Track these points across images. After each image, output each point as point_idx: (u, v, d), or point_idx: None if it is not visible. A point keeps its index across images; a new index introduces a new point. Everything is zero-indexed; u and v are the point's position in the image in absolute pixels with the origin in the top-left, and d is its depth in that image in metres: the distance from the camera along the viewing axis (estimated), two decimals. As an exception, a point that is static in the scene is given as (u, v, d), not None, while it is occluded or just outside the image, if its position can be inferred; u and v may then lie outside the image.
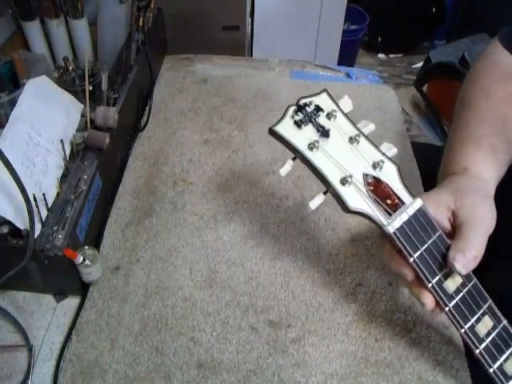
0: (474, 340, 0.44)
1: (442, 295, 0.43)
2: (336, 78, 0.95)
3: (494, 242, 0.46)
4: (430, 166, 0.58)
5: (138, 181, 0.71)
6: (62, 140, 0.57)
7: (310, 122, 0.43)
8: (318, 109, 0.44)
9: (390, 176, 0.44)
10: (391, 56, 2.58)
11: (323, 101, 0.44)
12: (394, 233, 0.42)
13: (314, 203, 0.44)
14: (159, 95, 0.87)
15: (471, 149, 0.53)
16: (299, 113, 0.43)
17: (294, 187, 0.71)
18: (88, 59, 0.66)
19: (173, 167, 0.74)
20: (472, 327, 0.44)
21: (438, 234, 0.44)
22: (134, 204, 0.68)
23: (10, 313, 0.54)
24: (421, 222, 0.43)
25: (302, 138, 0.42)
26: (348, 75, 0.96)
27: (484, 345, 0.44)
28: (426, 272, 0.43)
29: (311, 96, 0.44)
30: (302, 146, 0.42)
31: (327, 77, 0.95)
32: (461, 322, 0.44)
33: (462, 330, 0.44)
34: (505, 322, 0.45)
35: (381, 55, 2.58)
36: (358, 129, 0.44)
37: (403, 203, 0.43)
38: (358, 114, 0.91)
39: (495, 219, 0.46)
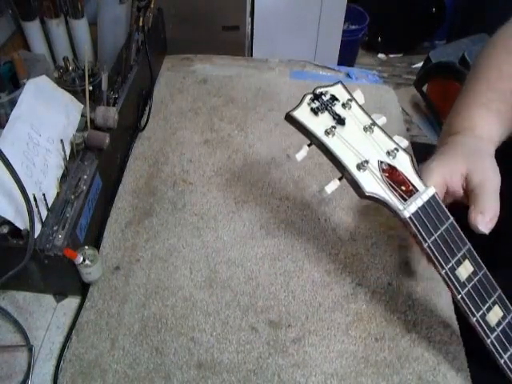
0: (486, 329, 0.44)
1: (455, 282, 0.44)
2: (336, 78, 0.95)
3: (495, 242, 0.47)
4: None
5: (138, 181, 0.71)
6: (61, 140, 0.57)
7: (326, 109, 0.44)
8: (334, 98, 0.45)
9: (404, 164, 0.45)
10: (391, 56, 2.58)
11: (338, 91, 0.45)
12: (410, 217, 0.43)
13: (330, 187, 0.45)
14: (159, 95, 0.87)
15: (479, 110, 0.54)
16: (315, 101, 0.44)
17: (294, 187, 0.71)
18: (88, 59, 0.66)
19: (173, 167, 0.73)
20: (483, 316, 0.44)
21: (449, 221, 0.45)
22: (134, 204, 0.68)
23: (10, 313, 0.54)
24: (434, 209, 0.44)
25: (318, 124, 0.43)
26: (348, 75, 0.96)
27: (495, 334, 0.44)
28: (439, 258, 0.44)
29: (327, 86, 0.45)
30: (318, 131, 0.43)
31: (327, 77, 0.95)
32: (473, 309, 0.44)
33: (474, 319, 0.44)
34: None
35: (381, 55, 2.58)
36: (372, 119, 0.45)
37: (417, 190, 0.44)
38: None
39: (500, 177, 0.48)
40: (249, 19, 1.23)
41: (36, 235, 0.50)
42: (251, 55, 1.38)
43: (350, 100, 0.45)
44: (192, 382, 0.50)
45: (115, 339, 0.53)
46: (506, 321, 0.45)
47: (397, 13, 2.36)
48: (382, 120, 0.47)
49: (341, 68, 0.98)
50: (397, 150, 0.44)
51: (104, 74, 0.65)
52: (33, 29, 0.73)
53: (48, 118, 0.57)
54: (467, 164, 0.49)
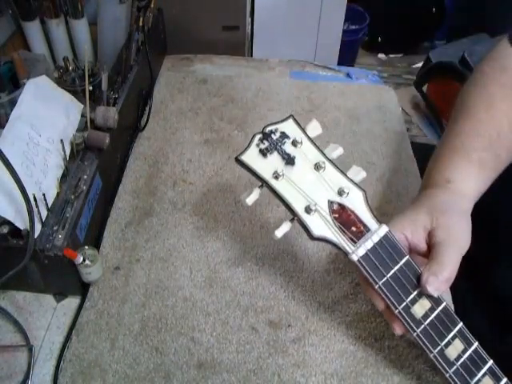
0: (444, 364, 0.43)
1: (410, 321, 0.43)
2: (336, 77, 0.95)
3: (495, 241, 0.46)
4: (429, 166, 0.57)
5: (138, 181, 0.71)
6: (62, 140, 0.57)
7: (276, 149, 0.43)
8: (284, 136, 0.44)
9: (356, 202, 0.44)
10: (391, 56, 2.58)
11: (289, 127, 0.44)
12: (358, 260, 0.43)
13: (281, 231, 0.44)
14: (159, 95, 0.87)
15: (459, 161, 0.52)
16: (265, 141, 0.44)
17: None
18: (88, 59, 0.65)
19: (173, 167, 0.74)
20: (441, 351, 0.43)
21: (404, 260, 0.44)
22: (134, 204, 0.68)
23: (10, 313, 0.54)
24: (386, 248, 0.44)
25: (267, 166, 0.43)
26: (348, 75, 0.96)
27: (454, 368, 0.43)
28: (391, 298, 0.43)
29: (277, 123, 0.44)
30: (267, 175, 0.43)
31: (327, 77, 0.95)
32: (429, 346, 0.43)
33: (431, 355, 0.43)
34: (476, 344, 0.44)
35: (381, 55, 2.58)
36: (324, 155, 0.45)
37: (368, 230, 0.44)
38: (358, 114, 0.92)
39: (469, 238, 0.46)
40: (249, 19, 1.23)
41: (36, 235, 0.50)
42: (251, 55, 1.38)
43: (300, 137, 0.44)
44: (192, 382, 0.50)
45: (115, 339, 0.53)
46: (467, 354, 0.43)
47: (397, 13, 2.36)
48: (338, 152, 0.45)
49: (341, 68, 0.98)
50: (349, 187, 0.44)
51: (104, 73, 0.65)
52: (33, 29, 0.73)
53: (48, 118, 0.57)
54: (431, 218, 0.46)
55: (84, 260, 0.53)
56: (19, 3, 0.71)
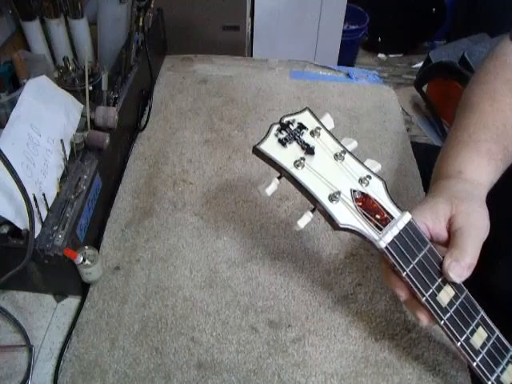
0: (471, 352, 0.43)
1: (437, 308, 0.43)
2: (336, 77, 0.95)
3: (498, 240, 0.46)
4: (430, 165, 0.57)
5: (138, 181, 0.71)
6: (61, 140, 0.57)
7: (295, 139, 0.43)
8: (302, 127, 0.44)
9: (378, 191, 0.44)
10: (391, 56, 2.58)
11: (306, 119, 0.44)
12: (386, 247, 0.42)
13: (303, 222, 0.43)
14: (159, 95, 0.87)
15: (468, 152, 0.52)
16: (283, 131, 0.43)
17: (295, 187, 0.71)
18: (88, 59, 0.66)
19: (173, 167, 0.74)
20: (467, 339, 0.43)
21: (428, 247, 0.44)
22: (134, 204, 0.68)
23: (10, 313, 0.54)
24: (411, 235, 0.43)
25: (287, 155, 0.42)
26: (348, 75, 0.96)
27: (480, 356, 0.43)
28: (419, 286, 0.43)
29: (294, 114, 0.44)
30: (287, 163, 0.42)
31: (327, 77, 0.95)
32: (456, 334, 0.43)
33: (458, 344, 0.43)
34: (498, 332, 0.44)
35: (381, 55, 2.58)
36: (342, 145, 0.44)
37: (392, 218, 0.43)
38: (358, 114, 0.92)
39: (488, 224, 0.46)
40: (249, 19, 1.23)
41: (36, 235, 0.50)
42: (251, 55, 1.39)
43: (318, 128, 0.43)
44: (192, 382, 0.50)
45: (115, 339, 0.53)
46: (491, 342, 0.44)
47: (397, 13, 2.36)
48: (353, 145, 0.45)
49: (341, 68, 0.98)
50: (369, 176, 0.43)
51: (104, 73, 0.65)
52: (33, 29, 0.73)
53: (48, 118, 0.57)
54: (451, 207, 0.46)
55: (84, 260, 0.53)
56: (19, 3, 0.70)
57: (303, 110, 0.44)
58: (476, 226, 0.45)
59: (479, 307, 0.44)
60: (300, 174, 0.42)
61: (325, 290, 0.58)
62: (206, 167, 0.74)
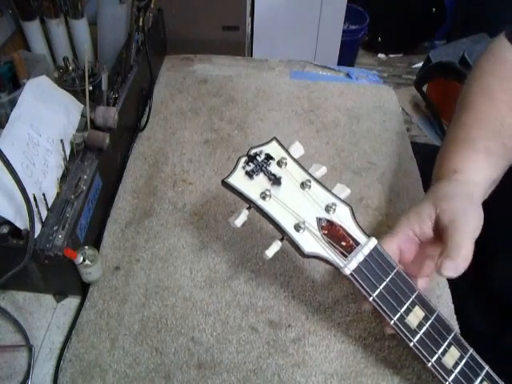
0: (442, 372, 0.43)
1: (406, 331, 0.43)
2: (336, 78, 0.95)
3: (494, 238, 0.46)
4: (430, 165, 0.57)
5: (138, 181, 0.71)
6: (62, 140, 0.57)
7: (261, 171, 0.44)
8: (269, 157, 0.45)
9: (344, 218, 0.45)
10: (391, 56, 2.58)
11: (273, 149, 0.45)
12: (351, 274, 0.43)
13: (271, 251, 0.44)
14: (159, 95, 0.87)
15: (465, 150, 0.52)
16: (250, 163, 0.45)
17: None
18: (88, 59, 0.65)
19: (173, 167, 0.74)
20: (439, 360, 0.43)
21: (395, 271, 0.44)
22: (134, 204, 0.68)
23: (10, 313, 0.54)
24: (377, 261, 0.44)
25: (254, 187, 0.44)
26: (348, 75, 0.96)
27: (453, 376, 0.43)
28: (386, 310, 0.43)
29: (261, 145, 0.46)
30: (254, 196, 0.44)
31: (327, 77, 0.95)
32: (426, 355, 0.43)
33: (429, 364, 0.43)
34: (471, 350, 0.44)
35: (381, 55, 2.58)
36: (309, 174, 0.45)
37: (358, 244, 0.44)
38: (358, 114, 0.92)
39: (481, 223, 0.46)
40: (249, 19, 1.23)
41: (36, 235, 0.50)
42: (251, 55, 1.38)
43: (284, 158, 0.45)
44: (192, 382, 0.50)
45: (115, 339, 0.53)
46: (464, 361, 0.43)
47: (397, 13, 2.36)
48: (321, 171, 0.46)
49: (341, 68, 0.98)
50: (336, 204, 0.44)
51: (104, 73, 0.65)
52: (33, 29, 0.73)
53: (48, 118, 0.57)
54: (435, 208, 0.46)
55: (84, 260, 0.53)
56: (19, 3, 0.70)
57: (271, 140, 0.46)
58: (462, 222, 0.44)
59: (452, 326, 0.44)
60: (266, 206, 0.43)
61: (325, 289, 0.58)
62: (205, 167, 0.74)
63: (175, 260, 0.61)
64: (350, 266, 0.43)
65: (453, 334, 0.44)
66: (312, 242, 0.43)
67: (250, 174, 0.44)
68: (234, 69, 0.95)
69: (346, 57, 1.94)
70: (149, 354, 0.52)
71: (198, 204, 0.68)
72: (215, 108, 0.85)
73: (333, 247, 0.44)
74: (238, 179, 0.44)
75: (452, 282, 0.46)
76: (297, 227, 0.43)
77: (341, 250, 0.44)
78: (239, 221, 0.45)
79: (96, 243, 0.62)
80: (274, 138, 0.46)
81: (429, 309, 0.44)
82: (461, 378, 0.43)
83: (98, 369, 0.50)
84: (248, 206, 0.45)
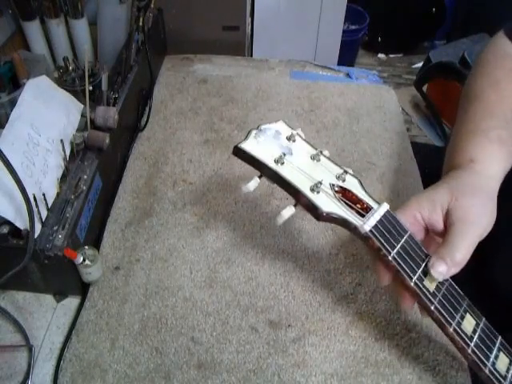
0: (464, 337, 0.43)
1: (426, 292, 0.43)
2: (336, 78, 0.95)
3: (494, 235, 0.45)
4: (430, 165, 0.57)
5: (138, 181, 0.71)
6: (62, 140, 0.57)
7: (273, 142, 0.45)
8: (278, 133, 0.46)
9: (354, 186, 0.45)
10: (391, 56, 2.58)
11: (281, 127, 0.47)
12: (371, 231, 0.43)
13: (284, 216, 0.45)
14: (159, 95, 0.87)
15: (478, 140, 0.51)
16: (261, 135, 0.45)
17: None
18: (88, 59, 0.65)
19: (173, 167, 0.74)
20: (459, 325, 0.43)
21: (408, 234, 0.44)
22: (134, 204, 0.68)
23: (10, 313, 0.54)
24: (391, 222, 0.44)
25: (267, 154, 0.44)
26: (348, 75, 0.96)
27: (474, 342, 0.43)
28: (406, 268, 0.43)
29: (269, 123, 0.47)
30: (268, 161, 0.44)
31: (327, 77, 0.95)
32: (448, 318, 0.43)
33: (451, 328, 0.42)
34: (484, 319, 0.44)
35: (381, 55, 2.58)
36: (317, 149, 0.46)
37: (372, 208, 0.44)
38: (358, 114, 0.92)
39: (493, 221, 0.45)
40: (249, 19, 1.23)
41: (36, 235, 0.50)
42: (251, 55, 1.38)
43: (293, 134, 0.46)
44: (192, 382, 0.50)
45: (115, 339, 0.53)
46: (480, 328, 0.43)
47: (397, 13, 2.36)
48: (325, 153, 0.47)
49: (341, 68, 0.98)
50: (345, 173, 0.45)
51: (104, 73, 0.65)
52: (33, 29, 0.73)
53: (48, 118, 0.57)
54: (451, 198, 0.45)
55: (84, 260, 0.53)
56: (19, 3, 0.70)
57: (277, 120, 0.47)
58: (472, 222, 0.43)
59: (464, 296, 0.44)
60: (281, 170, 0.44)
61: (325, 289, 0.58)
62: (205, 167, 0.74)
63: (175, 260, 0.61)
64: (368, 223, 0.43)
65: (466, 302, 0.44)
66: (329, 203, 0.43)
67: (262, 143, 0.45)
68: (234, 69, 0.95)
69: (346, 57, 1.94)
70: (149, 354, 0.52)
71: (198, 204, 0.68)
72: (215, 108, 0.85)
73: (349, 207, 0.44)
74: (251, 146, 0.44)
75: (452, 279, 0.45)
76: (312, 189, 0.43)
77: (357, 210, 0.44)
78: (251, 185, 0.45)
79: (96, 243, 0.62)
80: (281, 120, 0.47)
81: None
82: (481, 345, 0.43)
83: (98, 369, 0.50)
84: (259, 174, 0.45)
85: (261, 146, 0.44)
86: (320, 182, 0.43)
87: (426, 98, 2.09)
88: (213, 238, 0.64)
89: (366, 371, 0.51)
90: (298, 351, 0.53)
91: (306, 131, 0.48)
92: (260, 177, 0.45)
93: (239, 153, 0.44)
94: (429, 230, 0.47)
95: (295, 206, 0.45)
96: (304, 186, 0.43)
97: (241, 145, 0.44)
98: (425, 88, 2.08)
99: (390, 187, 0.72)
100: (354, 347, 0.53)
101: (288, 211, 0.45)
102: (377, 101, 0.88)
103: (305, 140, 0.47)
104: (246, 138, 0.45)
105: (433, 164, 0.57)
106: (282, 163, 0.44)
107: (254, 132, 0.45)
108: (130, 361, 0.51)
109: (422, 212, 0.46)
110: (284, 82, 0.91)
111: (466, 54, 1.74)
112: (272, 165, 0.44)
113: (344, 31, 1.64)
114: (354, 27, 2.17)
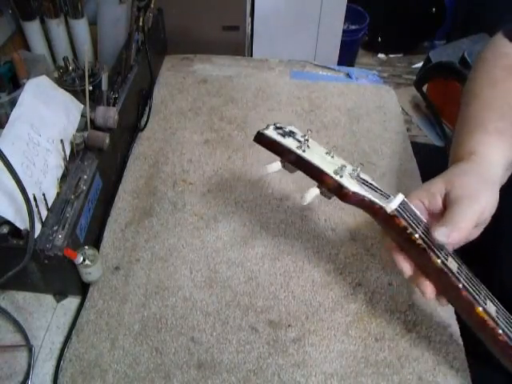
0: (494, 317, 0.42)
1: (453, 271, 0.43)
2: (336, 77, 0.95)
3: (497, 228, 0.46)
4: (429, 165, 0.58)
5: (138, 181, 0.71)
6: (61, 140, 0.57)
7: (290, 136, 0.47)
8: (292, 131, 0.48)
9: (369, 179, 0.48)
10: (391, 56, 2.58)
11: (294, 128, 0.49)
12: (397, 209, 0.44)
13: (310, 195, 0.46)
14: (159, 95, 0.87)
15: (478, 134, 0.53)
16: (279, 129, 0.47)
17: (295, 187, 0.71)
18: (88, 59, 0.66)
19: (173, 167, 0.73)
20: (484, 305, 0.43)
21: (424, 221, 0.46)
22: (134, 204, 0.68)
23: (10, 313, 0.54)
24: (410, 208, 0.46)
25: (289, 141, 0.46)
26: (348, 75, 0.96)
27: (501, 322, 0.43)
28: (434, 248, 0.43)
29: (282, 124, 0.49)
30: (292, 146, 0.45)
31: (327, 77, 0.95)
32: (476, 297, 0.43)
33: (480, 307, 0.42)
34: (501, 306, 0.44)
35: (381, 55, 2.58)
36: (329, 149, 0.48)
37: (389, 196, 0.46)
38: (358, 114, 0.92)
39: (494, 205, 0.46)
40: (249, 19, 1.23)
41: (36, 235, 0.50)
42: (251, 55, 1.38)
43: (305, 135, 0.47)
44: (192, 382, 0.50)
45: (115, 339, 0.53)
46: (501, 313, 0.44)
47: (397, 13, 2.36)
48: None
49: (341, 68, 0.98)
50: (357, 169, 0.47)
51: (104, 73, 0.65)
52: (33, 29, 0.73)
53: (48, 118, 0.57)
54: (447, 183, 0.47)
55: (84, 260, 0.53)
56: (19, 3, 0.71)
57: (289, 124, 0.49)
58: (469, 197, 0.45)
59: (480, 281, 0.45)
60: (305, 154, 0.45)
61: (325, 290, 0.58)
62: (205, 167, 0.74)
63: (175, 260, 0.61)
64: (393, 203, 0.44)
65: (483, 287, 0.45)
66: (354, 184, 0.45)
67: (281, 135, 0.46)
68: (234, 69, 0.95)
69: (346, 57, 1.94)
70: (149, 354, 0.52)
71: (198, 204, 0.68)
72: (215, 108, 0.85)
73: (373, 190, 0.46)
74: (273, 134, 0.46)
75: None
76: (336, 172, 0.44)
77: (380, 193, 0.46)
78: (274, 166, 0.47)
79: (96, 243, 0.62)
80: (292, 125, 0.49)
81: (460, 261, 0.45)
82: (509, 327, 0.43)
83: (98, 369, 0.50)
84: (281, 159, 0.47)
85: (281, 136, 0.46)
86: (344, 165, 0.45)
87: (426, 98, 2.09)
88: (213, 238, 0.64)
89: (366, 371, 0.51)
90: (297, 351, 0.53)
91: (306, 131, 0.48)
92: (282, 161, 0.47)
93: (262, 138, 0.46)
94: (431, 218, 0.49)
95: (319, 187, 0.46)
96: (329, 169, 0.45)
97: (264, 131, 0.46)
98: (425, 88, 2.07)
99: (390, 187, 0.72)
100: (354, 347, 0.53)
101: (312, 193, 0.46)
102: (377, 101, 0.88)
103: (316, 141, 0.48)
104: (266, 128, 0.47)
105: (433, 164, 0.57)
106: (304, 150, 0.45)
107: (271, 126, 0.47)
108: (130, 361, 0.51)
109: (422, 201, 0.48)
110: (284, 82, 0.91)
111: (466, 54, 1.74)
112: (296, 150, 0.45)
113: (344, 31, 1.64)
114: (353, 27, 2.17)
